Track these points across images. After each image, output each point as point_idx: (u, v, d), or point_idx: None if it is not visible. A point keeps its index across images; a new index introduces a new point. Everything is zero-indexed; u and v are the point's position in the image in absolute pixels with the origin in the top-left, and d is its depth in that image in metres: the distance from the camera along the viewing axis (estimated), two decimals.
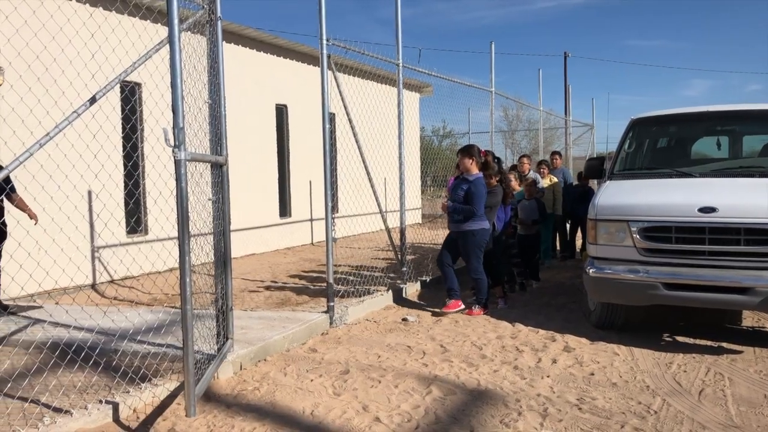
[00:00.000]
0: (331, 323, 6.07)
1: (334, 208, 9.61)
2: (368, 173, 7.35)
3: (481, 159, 6.56)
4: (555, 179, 9.96)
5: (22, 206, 6.20)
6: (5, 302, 6.47)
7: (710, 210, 4.96)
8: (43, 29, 5.36)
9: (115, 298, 7.48)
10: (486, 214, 6.58)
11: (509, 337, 5.66)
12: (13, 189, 6.02)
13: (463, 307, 6.47)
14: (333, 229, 6.27)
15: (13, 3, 6.36)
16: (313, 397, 4.17)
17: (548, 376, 4.52)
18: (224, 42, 4.75)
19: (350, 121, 7.11)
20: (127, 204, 8.56)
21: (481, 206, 6.35)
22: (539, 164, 10.22)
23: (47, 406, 3.83)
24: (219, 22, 4.57)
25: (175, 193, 3.59)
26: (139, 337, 5.16)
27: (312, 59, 12.56)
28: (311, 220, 13.08)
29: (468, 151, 6.50)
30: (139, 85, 8.73)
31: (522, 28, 79.21)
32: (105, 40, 5.48)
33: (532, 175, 9.30)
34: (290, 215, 12.63)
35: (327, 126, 6.12)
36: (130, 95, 8.73)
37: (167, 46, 3.59)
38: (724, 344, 5.25)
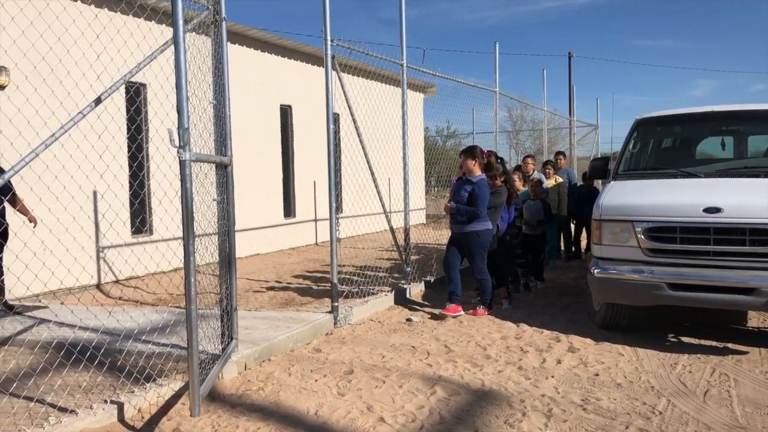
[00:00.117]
0: (335, 323, 6.07)
1: (339, 208, 9.63)
2: (372, 173, 7.35)
3: (484, 160, 6.55)
4: (560, 179, 9.94)
5: (23, 211, 6.20)
6: (11, 302, 6.50)
7: (715, 210, 4.94)
8: (48, 30, 5.37)
9: (120, 298, 7.50)
10: (491, 214, 6.58)
11: (514, 337, 5.65)
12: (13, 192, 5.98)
13: (461, 313, 6.44)
14: (337, 229, 6.27)
15: (18, 4, 6.39)
16: (317, 397, 4.18)
17: (553, 377, 4.51)
18: (229, 43, 4.76)
19: (354, 121, 7.11)
20: (132, 204, 8.59)
21: (485, 207, 6.34)
22: (545, 165, 10.20)
23: (52, 405, 3.85)
24: (224, 23, 4.58)
25: (180, 193, 3.60)
26: (143, 337, 5.17)
27: (316, 60, 12.57)
28: (315, 220, 13.09)
29: (470, 152, 6.49)
30: (144, 85, 8.76)
31: (526, 28, 79.20)
32: (110, 41, 5.51)
33: (536, 175, 9.28)
34: (294, 215, 12.64)
35: (331, 126, 6.13)
36: (135, 96, 8.76)
37: (172, 46, 3.60)
38: (730, 345, 5.23)
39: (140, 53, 4.74)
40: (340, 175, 12.14)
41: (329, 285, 6.36)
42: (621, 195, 5.62)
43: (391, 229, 7.68)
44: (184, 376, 4.27)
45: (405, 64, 7.72)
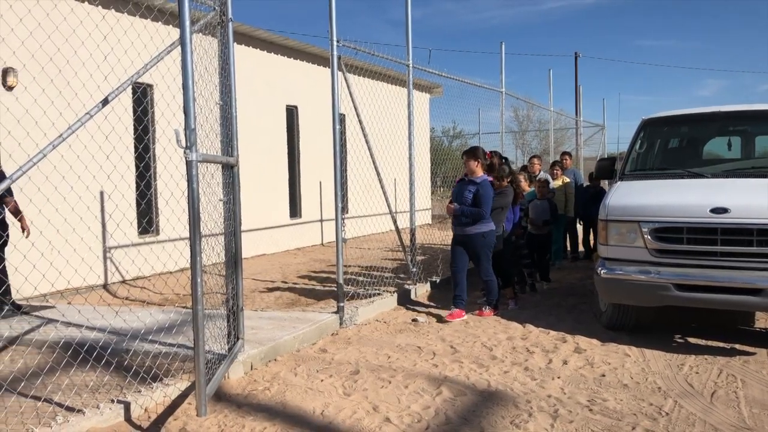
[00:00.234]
0: (341, 324, 6.08)
1: (344, 208, 9.62)
2: (378, 174, 7.36)
3: (487, 161, 6.53)
4: (567, 179, 9.92)
5: (15, 212, 6.18)
6: (18, 302, 6.54)
7: (722, 211, 4.92)
8: (56, 31, 5.41)
9: (126, 298, 7.53)
10: (497, 215, 6.57)
11: (520, 338, 5.64)
12: (10, 192, 5.87)
13: (465, 318, 6.42)
14: (343, 229, 6.28)
15: (27, 5, 6.43)
16: (323, 397, 4.18)
17: (559, 377, 4.51)
18: (235, 43, 4.78)
19: (360, 122, 7.12)
20: (138, 205, 8.62)
21: (489, 208, 6.33)
22: (552, 165, 10.17)
23: (60, 405, 3.87)
24: (230, 24, 4.59)
25: (186, 194, 3.61)
26: (150, 337, 5.19)
27: (322, 60, 12.59)
28: (321, 220, 13.10)
29: (473, 153, 6.46)
30: (151, 86, 8.80)
31: (532, 28, 78.97)
32: (117, 42, 5.53)
33: (542, 175, 9.26)
34: (300, 216, 12.66)
35: (337, 127, 6.14)
36: (142, 97, 8.79)
37: (179, 47, 3.61)
38: (737, 346, 5.21)
39: (147, 54, 4.76)
40: (346, 175, 12.17)
41: (335, 285, 6.37)
42: (627, 195, 5.61)
43: (397, 229, 7.69)
44: (190, 376, 4.29)
45: (411, 65, 7.73)
